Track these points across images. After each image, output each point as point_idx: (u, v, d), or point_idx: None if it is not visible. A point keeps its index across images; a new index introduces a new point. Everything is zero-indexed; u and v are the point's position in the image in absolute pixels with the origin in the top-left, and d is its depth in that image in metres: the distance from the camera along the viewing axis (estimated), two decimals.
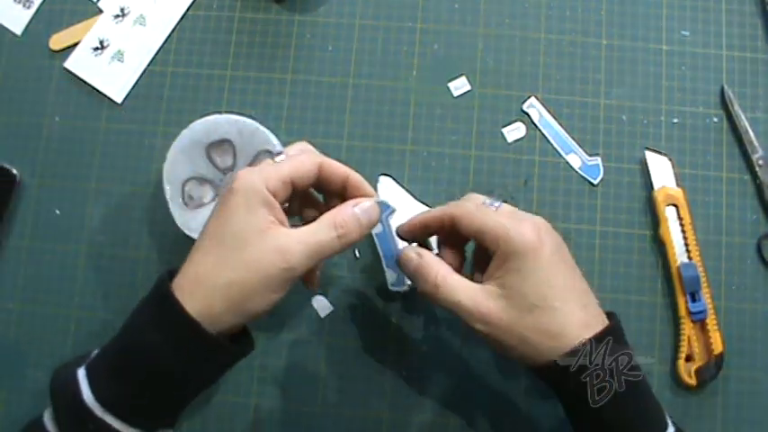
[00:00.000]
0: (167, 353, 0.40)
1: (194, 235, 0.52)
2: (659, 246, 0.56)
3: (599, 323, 0.43)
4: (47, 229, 0.58)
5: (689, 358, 0.54)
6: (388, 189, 0.57)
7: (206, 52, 0.60)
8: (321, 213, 0.44)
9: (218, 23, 0.61)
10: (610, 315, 0.45)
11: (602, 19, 0.60)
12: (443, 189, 0.57)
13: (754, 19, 0.60)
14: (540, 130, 0.58)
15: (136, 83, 0.60)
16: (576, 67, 0.59)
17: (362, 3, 0.60)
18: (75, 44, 0.60)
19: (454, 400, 0.54)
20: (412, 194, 0.57)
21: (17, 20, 0.61)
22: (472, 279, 0.45)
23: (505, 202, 0.46)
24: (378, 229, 0.49)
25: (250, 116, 0.54)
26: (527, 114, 0.58)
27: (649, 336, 0.55)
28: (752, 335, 0.55)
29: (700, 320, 0.54)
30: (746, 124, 0.57)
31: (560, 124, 0.58)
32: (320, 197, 0.50)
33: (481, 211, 0.45)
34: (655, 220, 0.56)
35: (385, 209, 0.47)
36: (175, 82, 0.60)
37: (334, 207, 0.45)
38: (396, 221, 0.48)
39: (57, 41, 0.60)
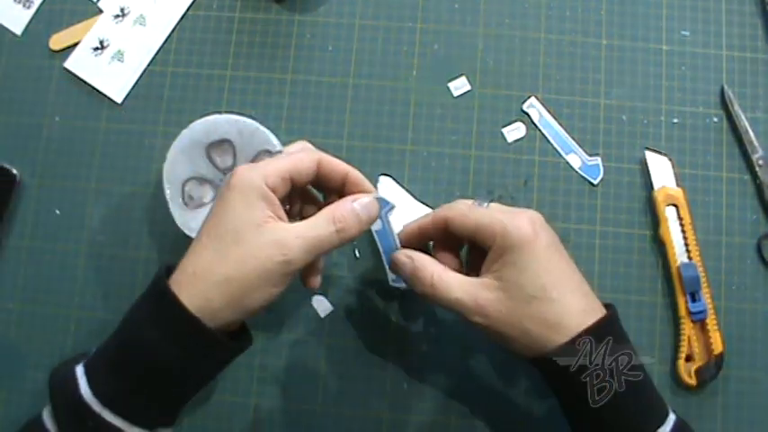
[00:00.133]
0: (165, 348, 0.40)
1: (194, 235, 0.52)
2: (659, 246, 0.56)
3: (597, 312, 0.43)
4: (47, 229, 0.58)
5: (689, 358, 0.54)
6: (388, 189, 0.57)
7: (206, 52, 0.60)
8: None
9: (218, 23, 0.61)
10: (607, 306, 0.45)
11: (602, 19, 0.60)
12: (443, 189, 0.57)
13: (754, 19, 0.60)
14: (540, 130, 0.58)
15: (136, 83, 0.60)
16: (575, 67, 0.59)
17: (362, 3, 0.60)
18: (76, 44, 0.60)
19: (454, 400, 0.54)
20: (412, 194, 0.57)
21: (17, 20, 0.61)
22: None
23: (492, 201, 0.46)
24: (377, 226, 0.49)
25: (250, 116, 0.54)
26: (527, 114, 0.58)
27: (649, 336, 0.55)
28: (752, 335, 0.55)
29: (700, 320, 0.54)
30: (746, 124, 0.57)
31: (560, 124, 0.58)
32: (320, 196, 0.50)
33: (474, 210, 0.45)
34: (655, 220, 0.56)
35: (384, 205, 0.47)
36: (175, 82, 0.60)
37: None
38: (395, 218, 0.48)
39: (57, 41, 0.60)
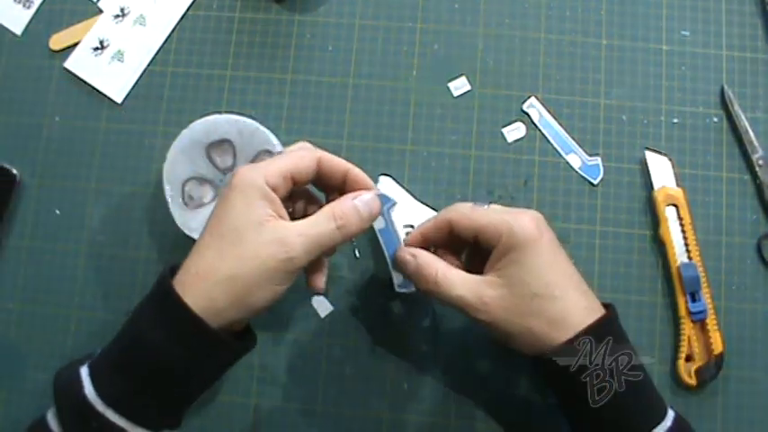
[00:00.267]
0: (170, 349, 0.40)
1: (194, 235, 0.52)
2: (659, 246, 0.56)
3: (598, 311, 0.44)
4: (47, 229, 0.58)
5: (689, 358, 0.54)
6: (388, 189, 0.57)
7: (206, 52, 0.60)
8: None
9: (218, 23, 0.61)
10: (607, 306, 0.45)
11: (602, 19, 0.60)
12: (443, 189, 0.57)
13: (754, 19, 0.60)
14: (540, 130, 0.58)
15: (136, 83, 0.60)
16: (575, 67, 0.59)
17: (362, 3, 0.60)
18: (76, 44, 0.60)
19: (454, 400, 0.54)
20: (412, 194, 0.57)
21: (17, 20, 0.61)
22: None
23: (491, 203, 0.47)
24: (380, 225, 0.49)
25: (250, 116, 0.54)
26: (527, 114, 0.58)
27: (649, 336, 0.55)
28: (752, 335, 0.55)
29: (700, 320, 0.54)
30: (746, 124, 0.57)
31: (560, 124, 0.58)
32: (322, 197, 0.50)
33: (477, 210, 0.46)
34: (655, 220, 0.56)
35: (386, 201, 0.47)
36: (175, 82, 0.60)
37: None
38: (397, 216, 0.48)
39: (57, 41, 0.60)
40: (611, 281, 0.56)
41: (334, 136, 0.58)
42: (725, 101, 0.58)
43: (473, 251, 0.49)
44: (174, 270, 0.42)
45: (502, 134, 0.58)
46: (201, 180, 0.54)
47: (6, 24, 0.61)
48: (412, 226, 0.53)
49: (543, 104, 0.58)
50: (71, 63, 0.60)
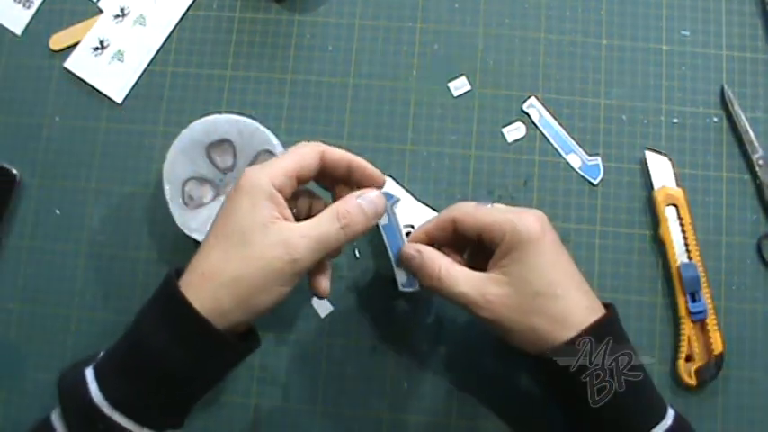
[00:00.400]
0: (175, 350, 0.40)
1: (194, 235, 0.52)
2: (659, 246, 0.56)
3: (598, 311, 0.44)
4: (47, 229, 0.58)
5: (689, 358, 0.54)
6: (389, 189, 0.57)
7: (206, 52, 0.60)
8: None
9: (218, 23, 0.61)
10: (607, 305, 0.45)
11: (602, 19, 0.60)
12: (443, 189, 0.57)
13: (754, 19, 0.60)
14: (540, 130, 0.58)
15: (136, 83, 0.60)
16: (575, 67, 0.59)
17: (362, 3, 0.60)
18: (76, 44, 0.60)
19: (454, 400, 0.54)
20: (412, 194, 0.57)
21: (17, 20, 0.61)
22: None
23: (493, 203, 0.48)
24: (384, 221, 0.49)
25: (250, 116, 0.54)
26: (527, 114, 0.58)
27: (649, 336, 0.55)
28: (752, 335, 0.55)
29: (700, 320, 0.54)
30: (746, 124, 0.57)
31: (560, 124, 0.58)
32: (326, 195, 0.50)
33: (481, 209, 0.46)
34: (655, 220, 0.56)
35: (389, 198, 0.47)
36: (175, 82, 0.60)
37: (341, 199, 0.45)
38: (400, 213, 0.48)
39: (57, 41, 0.60)
40: (611, 281, 0.56)
41: (334, 136, 0.58)
42: (725, 101, 0.58)
43: (475, 250, 0.49)
44: (179, 272, 0.42)
45: (502, 134, 0.58)
46: (201, 180, 0.54)
47: (6, 24, 0.61)
48: (412, 226, 0.53)
49: (543, 104, 0.58)
50: (71, 63, 0.60)
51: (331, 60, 0.60)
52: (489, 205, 0.47)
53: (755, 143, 0.57)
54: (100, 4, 0.61)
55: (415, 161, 0.58)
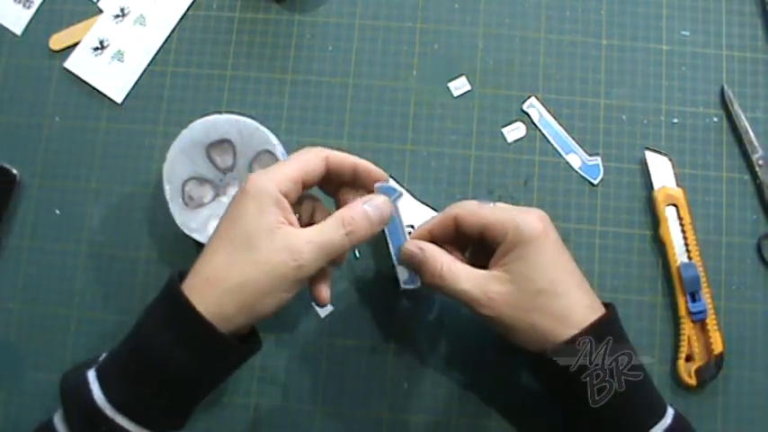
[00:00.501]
0: (178, 353, 0.40)
1: (194, 235, 0.52)
2: (659, 246, 0.56)
3: (599, 310, 0.44)
4: (47, 229, 0.58)
5: (689, 358, 0.54)
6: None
7: (206, 52, 0.60)
8: None
9: (218, 23, 0.61)
10: (607, 305, 0.46)
11: (602, 19, 0.60)
12: (443, 189, 0.57)
13: (754, 19, 0.60)
14: (540, 130, 0.58)
15: (136, 83, 0.60)
16: (575, 67, 0.59)
17: (362, 3, 0.60)
18: (76, 44, 0.60)
19: (454, 399, 0.54)
20: (412, 194, 0.57)
21: (17, 20, 0.61)
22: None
23: (494, 203, 0.48)
24: None
25: (250, 116, 0.54)
26: (527, 114, 0.58)
27: (649, 336, 0.55)
28: (752, 335, 0.55)
29: (700, 320, 0.54)
30: (746, 124, 0.57)
31: (560, 124, 0.58)
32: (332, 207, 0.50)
33: (483, 207, 0.46)
34: (655, 220, 0.56)
35: (391, 193, 0.47)
36: (175, 82, 0.60)
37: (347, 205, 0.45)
38: (402, 208, 0.48)
39: (57, 41, 0.60)
40: (611, 281, 0.56)
41: (334, 136, 0.58)
42: (725, 101, 0.58)
43: (477, 248, 0.49)
44: (182, 274, 0.42)
45: (502, 134, 0.58)
46: (201, 180, 0.54)
47: (6, 24, 0.61)
48: (412, 226, 0.53)
49: (543, 104, 0.58)
50: (71, 63, 0.60)
51: (331, 60, 0.60)
52: (491, 204, 0.47)
53: (755, 143, 0.57)
54: (100, 4, 0.61)
55: (415, 161, 0.58)
